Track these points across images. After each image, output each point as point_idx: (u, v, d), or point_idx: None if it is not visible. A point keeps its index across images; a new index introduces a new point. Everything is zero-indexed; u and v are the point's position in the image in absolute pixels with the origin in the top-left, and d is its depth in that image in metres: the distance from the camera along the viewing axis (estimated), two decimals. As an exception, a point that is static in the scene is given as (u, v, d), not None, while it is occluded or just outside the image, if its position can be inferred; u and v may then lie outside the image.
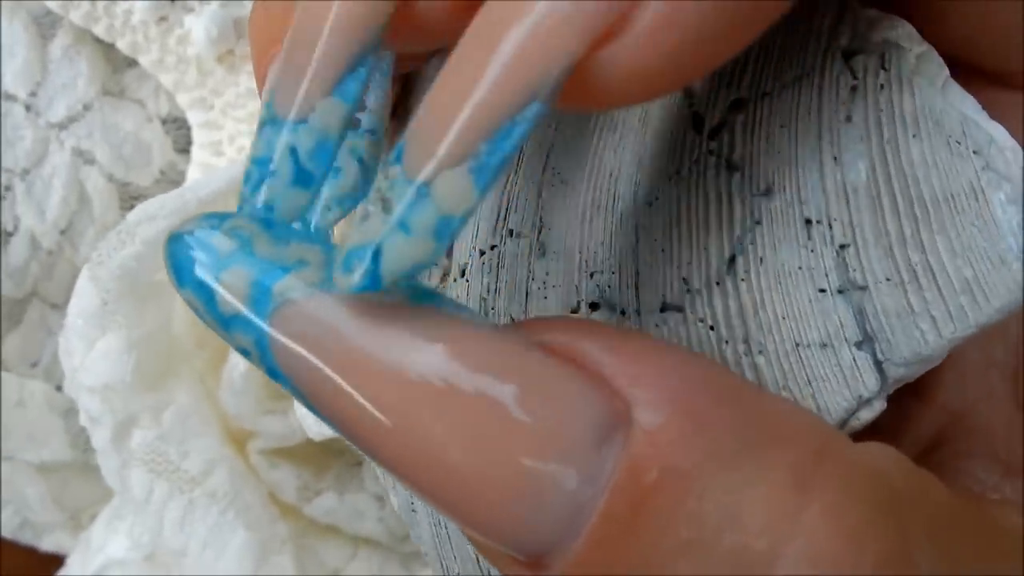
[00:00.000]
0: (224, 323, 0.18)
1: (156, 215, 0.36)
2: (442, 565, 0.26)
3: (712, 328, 0.21)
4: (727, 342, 0.21)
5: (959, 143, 0.19)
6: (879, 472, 0.17)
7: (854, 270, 0.20)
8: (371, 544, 0.42)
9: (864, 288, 0.20)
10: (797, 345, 0.21)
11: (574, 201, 0.23)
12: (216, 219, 0.19)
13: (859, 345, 0.20)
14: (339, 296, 0.18)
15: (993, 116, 0.21)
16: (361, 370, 0.17)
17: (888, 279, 0.20)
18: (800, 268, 0.21)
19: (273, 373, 0.18)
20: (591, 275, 0.23)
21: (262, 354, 0.18)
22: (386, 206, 0.17)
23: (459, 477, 0.17)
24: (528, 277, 0.24)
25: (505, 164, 0.17)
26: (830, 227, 0.20)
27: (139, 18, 0.38)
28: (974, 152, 0.19)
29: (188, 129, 0.41)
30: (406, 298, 0.18)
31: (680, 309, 0.22)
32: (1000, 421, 0.24)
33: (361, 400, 0.17)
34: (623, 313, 0.23)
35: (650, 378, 0.17)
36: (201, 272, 0.18)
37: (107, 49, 0.40)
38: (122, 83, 0.41)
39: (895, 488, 0.17)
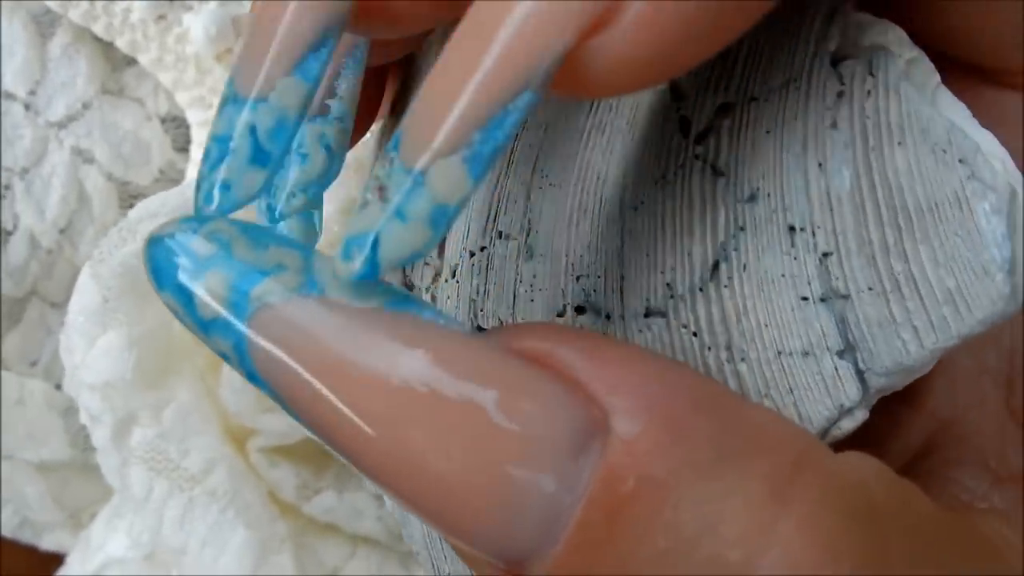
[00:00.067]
0: (203, 327, 0.18)
1: (158, 212, 0.36)
2: (433, 565, 0.26)
3: (695, 334, 0.21)
4: (710, 349, 0.21)
5: (944, 151, 0.19)
6: (858, 483, 0.17)
7: (837, 278, 0.20)
8: (370, 543, 0.42)
9: (846, 297, 0.20)
10: (779, 353, 0.20)
11: (562, 204, 0.23)
12: (195, 222, 0.19)
13: (841, 354, 0.20)
14: (317, 300, 0.18)
15: (992, 118, 0.21)
16: (341, 376, 0.17)
17: (871, 288, 0.20)
18: (783, 275, 0.20)
19: (252, 377, 0.18)
20: (577, 278, 0.23)
21: (240, 358, 0.18)
22: (383, 195, 0.17)
23: (440, 484, 0.17)
24: (516, 279, 0.24)
25: (498, 153, 0.17)
26: (813, 235, 0.20)
27: (138, 16, 0.38)
28: (959, 161, 0.19)
29: (187, 128, 0.41)
30: (383, 303, 0.18)
31: (664, 315, 0.22)
32: (991, 429, 0.23)
33: (341, 406, 0.17)
34: (608, 317, 0.22)
35: (628, 386, 0.17)
36: (180, 275, 0.18)
37: (106, 48, 0.40)
38: (121, 82, 0.41)
39: (874, 499, 0.17)
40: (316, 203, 0.25)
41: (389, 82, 0.30)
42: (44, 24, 0.40)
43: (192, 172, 0.40)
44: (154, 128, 0.41)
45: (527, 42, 0.16)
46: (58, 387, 0.42)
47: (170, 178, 0.41)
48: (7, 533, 0.43)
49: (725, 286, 0.21)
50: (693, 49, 0.17)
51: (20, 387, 0.41)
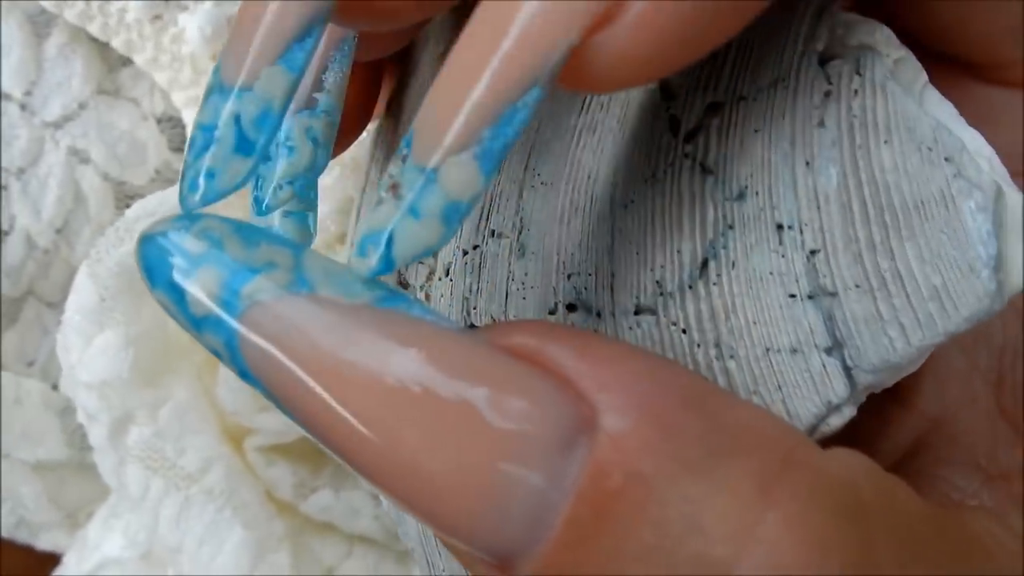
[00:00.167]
0: (195, 324, 0.18)
1: (155, 212, 0.36)
2: (428, 562, 0.27)
3: (684, 332, 0.21)
4: (699, 346, 0.21)
5: (930, 150, 0.19)
6: (846, 480, 0.17)
7: (824, 276, 0.20)
8: (367, 542, 0.42)
9: (834, 294, 0.20)
10: (767, 350, 0.21)
11: (553, 202, 0.23)
12: (187, 220, 0.19)
13: (829, 351, 0.20)
14: (307, 297, 0.18)
15: (981, 115, 0.21)
16: (334, 374, 0.17)
17: (857, 285, 0.20)
18: (771, 273, 0.20)
19: (244, 375, 0.18)
20: (568, 276, 0.23)
21: (232, 355, 0.18)
22: (397, 192, 0.17)
23: (432, 482, 0.17)
24: (508, 278, 0.24)
25: (508, 149, 0.17)
26: (801, 232, 0.20)
27: (133, 16, 0.38)
28: (945, 159, 0.19)
29: (183, 128, 0.41)
30: (373, 300, 0.18)
31: (653, 312, 0.22)
32: (982, 428, 0.23)
33: (334, 404, 0.17)
34: (599, 315, 0.22)
35: (617, 383, 0.17)
36: (172, 273, 0.19)
37: (102, 48, 0.40)
38: (117, 82, 0.41)
39: (862, 496, 0.17)
40: (309, 203, 0.25)
41: (385, 81, 0.30)
42: (40, 24, 0.40)
43: (189, 172, 0.40)
44: (150, 128, 0.41)
45: (534, 40, 0.17)
46: (55, 387, 0.42)
47: (166, 178, 0.41)
48: (3, 533, 0.43)
49: (714, 284, 0.21)
50: (691, 46, 0.17)
51: (17, 387, 0.41)
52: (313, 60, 0.24)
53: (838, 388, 0.20)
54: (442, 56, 0.27)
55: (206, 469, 0.38)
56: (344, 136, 0.28)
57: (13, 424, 0.41)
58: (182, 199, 0.20)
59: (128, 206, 0.39)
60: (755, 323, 0.21)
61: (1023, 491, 0.22)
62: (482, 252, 0.24)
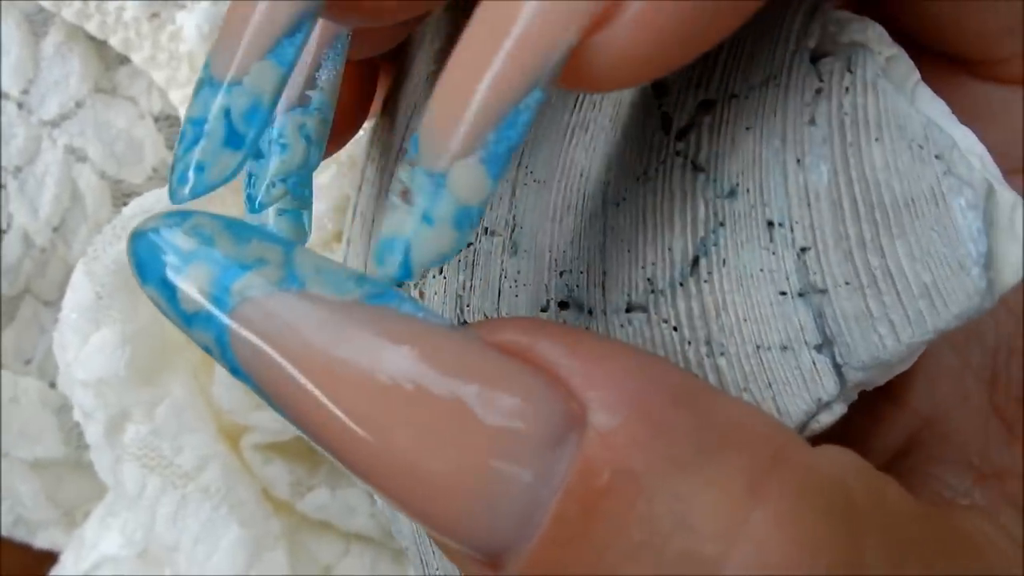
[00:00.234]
0: (186, 320, 0.19)
1: (152, 209, 0.36)
2: (421, 561, 0.27)
3: (675, 329, 0.21)
4: (690, 343, 0.21)
5: (921, 147, 0.19)
6: (835, 478, 0.17)
7: (814, 273, 0.20)
8: (363, 540, 0.42)
9: (824, 291, 0.20)
10: (758, 347, 0.20)
11: (545, 200, 0.23)
12: (178, 217, 0.19)
13: (819, 348, 0.20)
14: (297, 294, 0.18)
15: (975, 112, 0.21)
16: (325, 370, 0.17)
17: (848, 283, 0.20)
18: (762, 270, 0.20)
19: (235, 371, 0.18)
20: (560, 274, 0.23)
21: (223, 351, 0.18)
22: (408, 198, 0.18)
23: (423, 479, 0.17)
24: (501, 275, 0.24)
25: (512, 151, 0.17)
26: (792, 230, 0.20)
27: (131, 15, 0.38)
28: (936, 157, 0.19)
29: (180, 126, 0.41)
30: (363, 296, 0.18)
31: (645, 309, 0.22)
32: (974, 426, 0.23)
33: (326, 401, 0.17)
34: (590, 312, 0.22)
35: (607, 380, 0.17)
36: (163, 270, 0.19)
37: (99, 46, 0.40)
38: (114, 80, 0.41)
39: (851, 495, 0.17)
40: (303, 201, 0.25)
41: (381, 79, 0.30)
42: (37, 23, 0.40)
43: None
44: (147, 126, 0.41)
45: (534, 42, 0.17)
46: (52, 385, 0.42)
47: (163, 176, 0.41)
48: (2, 531, 0.43)
49: (705, 281, 0.21)
50: (690, 45, 0.17)
51: (14, 385, 0.41)
52: (307, 57, 0.24)
53: (828, 386, 0.20)
54: (438, 53, 0.27)
55: (202, 467, 0.38)
56: (339, 134, 0.28)
57: (11, 422, 0.41)
58: (171, 192, 0.20)
59: (125, 204, 0.39)
60: (746, 320, 0.21)
61: (1017, 490, 0.22)
62: (475, 249, 0.25)
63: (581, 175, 0.23)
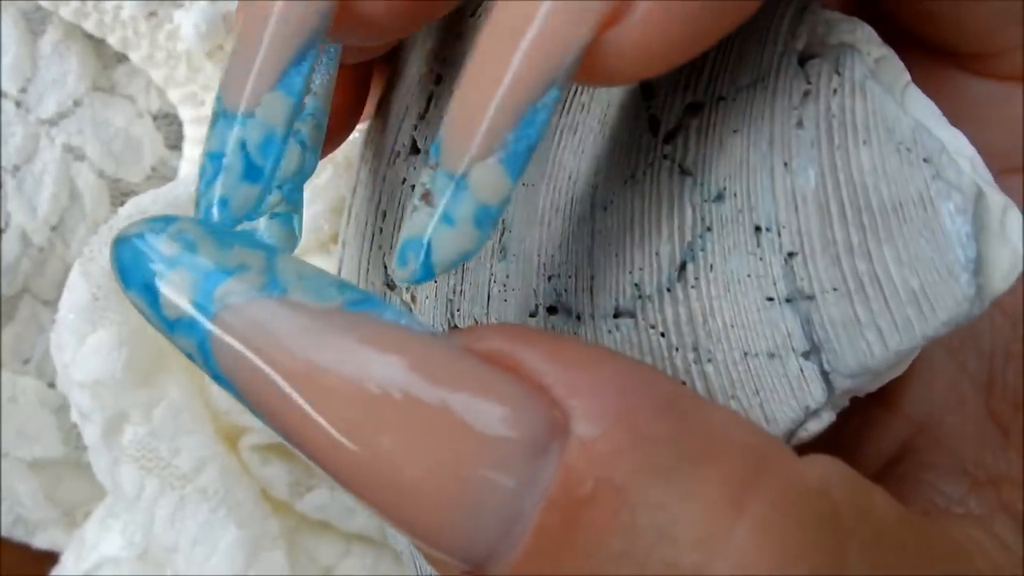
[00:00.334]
0: (169, 326, 0.19)
1: (149, 209, 0.36)
2: (415, 564, 0.26)
3: (663, 335, 0.21)
4: (677, 349, 0.21)
5: (909, 151, 0.19)
6: (820, 488, 0.17)
7: (802, 279, 0.20)
8: (364, 541, 0.42)
9: (811, 297, 0.20)
10: (745, 354, 0.20)
11: (534, 204, 0.23)
12: (161, 222, 0.19)
13: (806, 355, 0.20)
14: (279, 300, 0.18)
15: (970, 109, 0.21)
16: (305, 377, 0.17)
17: (835, 289, 0.19)
18: (749, 276, 0.20)
19: (217, 378, 0.18)
20: (549, 278, 0.23)
21: (205, 358, 0.18)
22: (430, 200, 0.18)
23: (406, 488, 0.17)
24: (490, 280, 0.24)
25: (531, 151, 0.18)
26: (779, 235, 0.20)
27: (128, 14, 0.38)
28: (924, 160, 0.19)
29: (179, 125, 0.41)
30: (344, 303, 0.18)
31: (632, 315, 0.21)
32: (970, 432, 0.23)
33: (306, 408, 0.17)
34: (579, 318, 0.22)
35: (589, 389, 0.17)
36: (146, 275, 0.19)
37: (97, 45, 0.40)
38: (112, 79, 0.41)
39: (836, 504, 0.17)
40: (295, 205, 0.25)
41: (374, 82, 0.30)
42: (35, 21, 0.40)
43: (185, 169, 0.40)
44: (146, 125, 0.41)
45: (550, 42, 0.17)
46: (51, 385, 0.42)
47: (162, 175, 0.41)
48: (1, 531, 0.43)
49: (692, 286, 0.21)
50: (698, 39, 0.18)
51: (12, 385, 0.41)
52: None
53: (816, 393, 0.20)
54: (430, 54, 0.27)
55: (200, 469, 0.37)
56: (333, 136, 0.28)
57: (9, 422, 0.41)
58: None
59: (124, 203, 0.38)
60: (733, 326, 0.20)
61: (1013, 497, 0.22)
62: None
63: (569, 178, 0.23)
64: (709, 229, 0.21)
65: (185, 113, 0.40)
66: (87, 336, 0.36)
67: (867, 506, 0.18)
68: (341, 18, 0.20)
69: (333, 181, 0.38)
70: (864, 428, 0.24)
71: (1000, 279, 0.18)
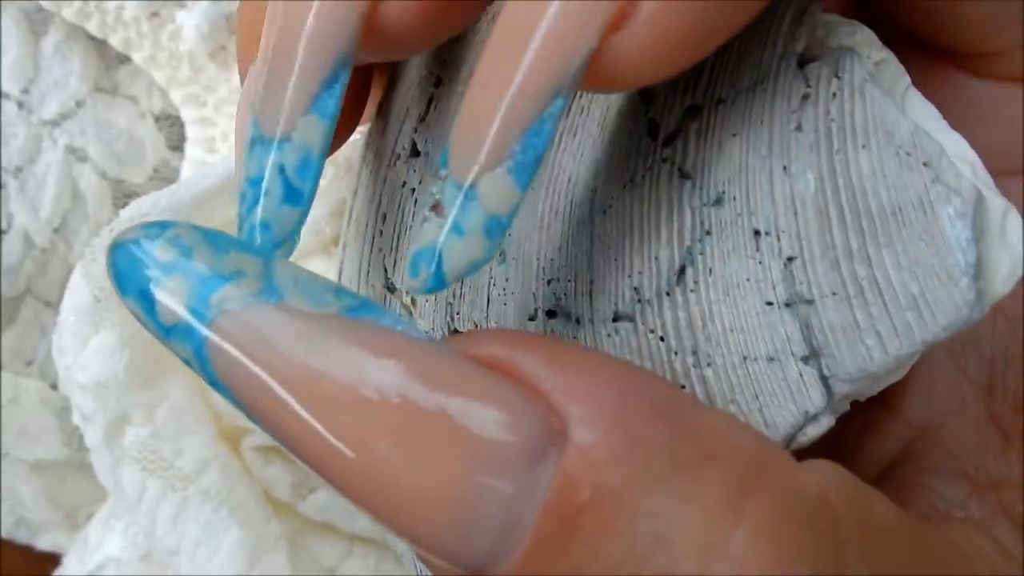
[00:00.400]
0: (165, 332, 0.19)
1: (150, 212, 0.36)
2: (415, 566, 0.26)
3: (662, 339, 0.21)
4: (676, 354, 0.21)
5: (909, 155, 0.19)
6: (819, 493, 0.17)
7: (801, 283, 0.20)
8: (366, 542, 0.42)
9: (811, 302, 0.20)
10: (745, 358, 0.20)
11: (533, 207, 0.23)
12: (157, 228, 0.19)
13: (806, 360, 0.20)
14: (276, 306, 0.18)
15: (970, 110, 0.21)
16: (302, 383, 0.17)
17: (834, 293, 0.19)
18: (748, 280, 0.20)
19: (213, 383, 0.18)
20: (548, 282, 0.23)
21: (201, 364, 0.18)
22: (439, 211, 0.18)
23: (404, 494, 0.17)
24: (490, 283, 0.24)
25: (539, 160, 0.18)
26: (778, 239, 0.20)
27: (131, 14, 0.38)
28: (924, 164, 0.18)
29: (181, 126, 0.41)
30: (341, 308, 0.18)
31: (631, 319, 0.21)
32: (970, 436, 0.23)
33: (303, 414, 0.17)
34: (578, 322, 0.22)
35: (587, 394, 0.17)
36: (142, 281, 0.19)
37: (99, 45, 0.40)
38: (115, 80, 0.41)
39: (834, 510, 0.17)
40: None
41: (374, 84, 0.30)
42: (37, 22, 0.40)
43: (187, 170, 0.40)
44: (148, 126, 0.41)
45: (555, 50, 0.17)
46: (53, 386, 0.42)
47: (164, 176, 0.41)
48: (3, 533, 0.43)
49: (691, 291, 0.21)
50: (702, 43, 0.18)
51: (15, 386, 0.41)
52: None
53: (815, 397, 0.20)
54: (431, 55, 0.27)
55: (202, 470, 0.37)
56: (334, 138, 0.27)
57: (12, 423, 0.41)
58: None
59: (126, 204, 0.38)
60: (732, 331, 0.20)
61: (1014, 500, 0.22)
62: None
63: (569, 181, 0.23)
64: (708, 233, 0.21)
65: (187, 114, 0.40)
66: (89, 338, 0.36)
67: (866, 511, 0.18)
68: (368, 39, 0.20)
69: (334, 183, 0.38)
70: (865, 432, 0.24)
71: (1000, 283, 0.18)
